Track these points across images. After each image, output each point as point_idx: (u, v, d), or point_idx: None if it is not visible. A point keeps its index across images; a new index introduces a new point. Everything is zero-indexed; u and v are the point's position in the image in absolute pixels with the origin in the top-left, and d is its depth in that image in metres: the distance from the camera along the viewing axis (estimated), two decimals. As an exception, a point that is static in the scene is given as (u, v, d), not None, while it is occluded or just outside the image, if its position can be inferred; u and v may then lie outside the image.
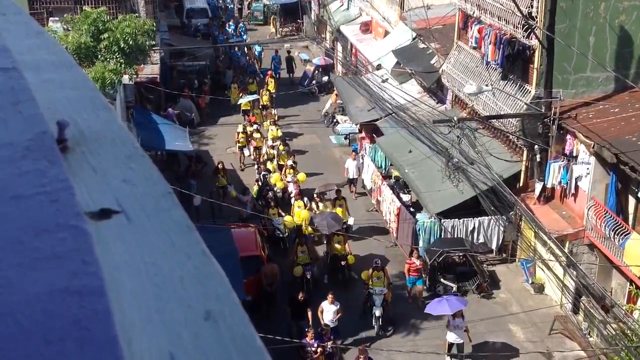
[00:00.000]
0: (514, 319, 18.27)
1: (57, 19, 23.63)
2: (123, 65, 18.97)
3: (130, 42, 18.76)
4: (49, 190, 0.92)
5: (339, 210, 21.36)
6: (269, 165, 25.57)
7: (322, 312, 17.26)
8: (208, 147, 29.55)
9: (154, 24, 22.37)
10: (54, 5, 26.37)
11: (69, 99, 1.37)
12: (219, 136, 30.47)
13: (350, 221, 21.58)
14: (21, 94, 1.16)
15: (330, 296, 17.33)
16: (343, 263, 19.87)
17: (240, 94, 32.46)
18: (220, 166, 24.67)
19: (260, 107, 31.51)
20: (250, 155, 27.53)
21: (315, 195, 22.79)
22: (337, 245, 20.04)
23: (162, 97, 30.42)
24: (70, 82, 1.45)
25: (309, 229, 20.90)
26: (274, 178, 24.25)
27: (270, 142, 27.25)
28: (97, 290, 0.77)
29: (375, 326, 17.92)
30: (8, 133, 1.04)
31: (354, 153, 25.93)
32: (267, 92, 32.76)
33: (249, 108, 31.08)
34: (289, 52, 38.47)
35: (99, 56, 19.02)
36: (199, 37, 39.99)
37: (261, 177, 24.56)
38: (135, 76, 21.96)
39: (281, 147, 26.15)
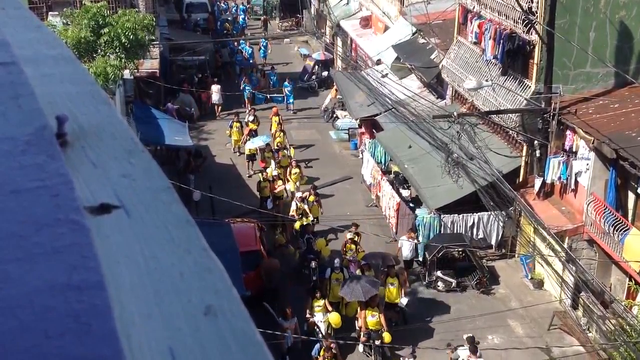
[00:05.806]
0: (513, 315, 18.31)
1: (56, 13, 23.56)
2: (123, 60, 18.97)
3: (131, 37, 18.75)
4: (49, 184, 0.92)
5: (392, 290, 17.64)
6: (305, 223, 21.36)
7: None
8: (207, 142, 29.56)
9: (154, 18, 22.36)
10: (54, -1, 26.30)
11: (69, 94, 1.37)
12: (219, 131, 30.46)
13: (403, 302, 17.86)
14: (21, 88, 1.16)
15: None
16: (378, 343, 16.30)
17: (246, 137, 27.58)
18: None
19: (272, 150, 26.25)
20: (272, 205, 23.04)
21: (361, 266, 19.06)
22: (372, 320, 16.46)
23: (161, 92, 30.42)
24: (70, 77, 1.45)
25: (337, 320, 16.83)
26: (319, 243, 20.31)
27: (299, 194, 22.30)
28: (97, 285, 0.77)
29: None
30: (8, 127, 1.04)
31: (411, 232, 19.98)
32: (282, 135, 27.44)
33: (255, 153, 26.51)
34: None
35: (99, 51, 19.01)
36: (198, 32, 40.00)
37: (304, 240, 20.03)
38: (135, 71, 21.95)
39: (311, 198, 21.97)
